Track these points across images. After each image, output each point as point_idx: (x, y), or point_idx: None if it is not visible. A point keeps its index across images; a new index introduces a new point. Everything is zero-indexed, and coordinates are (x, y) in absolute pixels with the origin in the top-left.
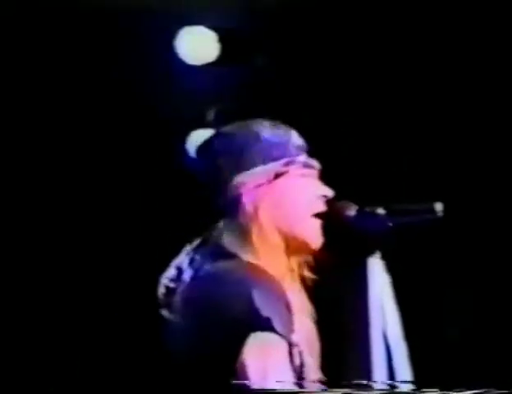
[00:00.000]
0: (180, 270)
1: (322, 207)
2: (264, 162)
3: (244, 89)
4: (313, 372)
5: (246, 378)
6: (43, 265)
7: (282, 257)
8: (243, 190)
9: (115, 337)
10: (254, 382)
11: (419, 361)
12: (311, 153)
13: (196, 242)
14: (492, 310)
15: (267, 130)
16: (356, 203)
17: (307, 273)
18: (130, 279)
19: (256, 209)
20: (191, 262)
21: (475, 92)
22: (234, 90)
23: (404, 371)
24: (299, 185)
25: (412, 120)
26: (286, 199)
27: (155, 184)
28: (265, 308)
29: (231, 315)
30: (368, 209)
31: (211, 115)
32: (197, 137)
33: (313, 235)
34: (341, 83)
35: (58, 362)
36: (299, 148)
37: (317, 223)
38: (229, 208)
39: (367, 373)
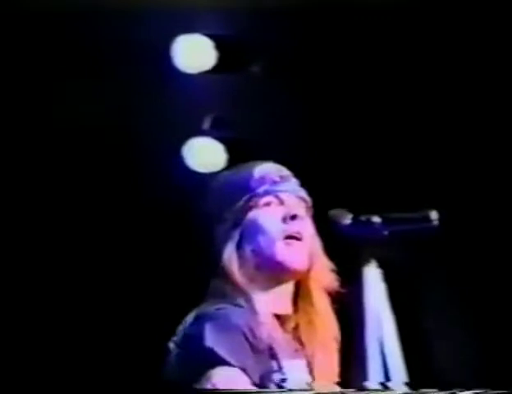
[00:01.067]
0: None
1: (294, 227)
2: (230, 208)
3: (240, 97)
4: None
5: None
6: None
7: (267, 288)
8: (218, 238)
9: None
10: None
11: (415, 369)
12: (306, 161)
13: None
14: (489, 319)
15: (230, 177)
16: (351, 211)
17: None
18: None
19: (230, 252)
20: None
21: (470, 99)
22: (230, 98)
23: (400, 381)
24: (260, 215)
25: (408, 128)
26: (250, 231)
27: (149, 197)
28: (212, 340)
29: (188, 353)
30: (363, 218)
31: (207, 123)
32: (193, 146)
33: (286, 258)
34: (338, 91)
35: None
36: (260, 180)
37: (289, 245)
38: (215, 256)
39: (362, 381)
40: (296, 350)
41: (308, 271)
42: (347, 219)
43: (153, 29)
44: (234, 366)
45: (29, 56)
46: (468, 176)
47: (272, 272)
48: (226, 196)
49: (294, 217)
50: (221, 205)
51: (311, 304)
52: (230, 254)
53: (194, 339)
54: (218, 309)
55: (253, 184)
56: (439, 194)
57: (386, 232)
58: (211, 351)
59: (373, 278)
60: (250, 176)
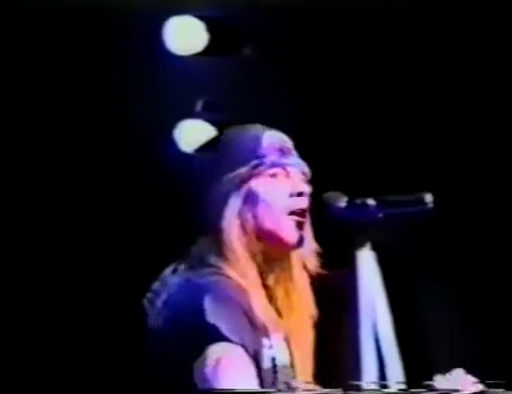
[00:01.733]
0: (163, 281)
1: (298, 204)
2: (233, 169)
3: (232, 80)
4: (300, 371)
5: (202, 380)
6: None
7: (250, 261)
8: (217, 198)
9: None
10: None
11: (409, 354)
12: (300, 145)
13: (184, 252)
14: (484, 302)
15: (237, 136)
16: (346, 194)
17: (311, 265)
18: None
19: (224, 215)
20: (173, 272)
21: (464, 83)
22: (222, 81)
23: (394, 364)
24: (267, 185)
25: (402, 111)
26: (257, 200)
27: (142, 178)
28: (215, 318)
29: (186, 328)
30: (358, 200)
31: (199, 106)
32: (184, 128)
33: (289, 233)
34: (331, 74)
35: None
36: (268, 148)
37: (292, 221)
38: (208, 220)
39: (356, 365)
40: (276, 322)
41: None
42: (342, 202)
43: (144, 11)
44: (235, 343)
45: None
46: (462, 159)
47: (272, 245)
48: (232, 156)
49: (300, 194)
50: (224, 164)
51: (290, 279)
52: (230, 220)
53: (193, 313)
54: (211, 280)
55: (260, 150)
56: (433, 176)
57: (380, 215)
58: (213, 328)
59: (368, 261)
60: (258, 141)
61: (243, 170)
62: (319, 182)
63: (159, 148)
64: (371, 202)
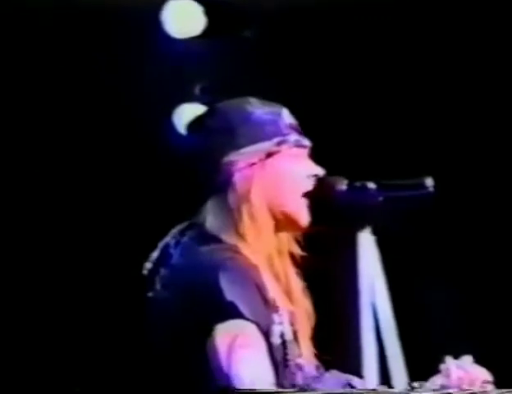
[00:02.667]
0: (164, 252)
1: (311, 186)
2: (255, 142)
3: (231, 63)
4: (302, 349)
5: (216, 363)
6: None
7: (271, 236)
8: (234, 170)
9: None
10: (224, 367)
11: (408, 336)
12: (301, 128)
13: (184, 224)
14: (483, 285)
15: (257, 108)
16: (347, 177)
17: (296, 250)
18: (116, 258)
19: (248, 188)
20: (176, 244)
21: (464, 67)
22: (221, 64)
23: (393, 347)
24: (291, 164)
25: (403, 95)
26: (278, 178)
27: (141, 161)
28: (231, 294)
29: (200, 304)
30: (358, 184)
31: (197, 89)
32: (183, 111)
33: (303, 214)
34: (332, 57)
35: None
36: (289, 126)
37: (305, 202)
38: (218, 188)
39: (356, 348)
40: (283, 298)
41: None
42: (342, 185)
43: None
44: (250, 321)
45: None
46: (462, 143)
47: (284, 225)
48: (253, 128)
49: (315, 176)
50: (243, 135)
51: (285, 259)
52: (258, 194)
53: (208, 291)
54: (226, 257)
55: (283, 127)
56: (434, 160)
57: (380, 199)
58: (231, 305)
59: (368, 244)
60: (280, 117)
61: (266, 144)
62: (320, 165)
63: (158, 132)
64: (371, 185)
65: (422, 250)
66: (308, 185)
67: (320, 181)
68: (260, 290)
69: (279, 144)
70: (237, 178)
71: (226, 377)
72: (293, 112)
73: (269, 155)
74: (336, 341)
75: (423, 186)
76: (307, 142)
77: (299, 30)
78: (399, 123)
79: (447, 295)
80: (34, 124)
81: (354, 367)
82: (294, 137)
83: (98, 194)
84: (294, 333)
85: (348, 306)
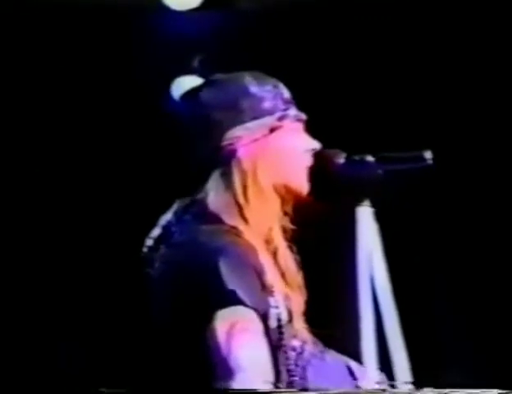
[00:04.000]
0: (166, 230)
1: (310, 160)
2: (257, 117)
3: (229, 35)
4: (297, 328)
5: (214, 347)
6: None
7: (275, 214)
8: (238, 145)
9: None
10: (222, 351)
11: (407, 310)
12: (298, 101)
13: (186, 201)
14: (481, 257)
15: (256, 83)
16: (345, 150)
17: (288, 224)
18: (116, 235)
19: (254, 166)
20: (178, 222)
21: (464, 41)
22: (219, 36)
23: (391, 321)
24: (293, 139)
25: (401, 68)
26: (282, 154)
27: (140, 134)
28: (231, 280)
29: (199, 288)
30: (356, 157)
31: (196, 61)
32: (182, 84)
33: (305, 189)
34: (331, 29)
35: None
36: (287, 101)
37: (305, 176)
38: (220, 163)
39: (354, 322)
40: (280, 280)
41: None
42: (341, 158)
43: None
44: (249, 307)
45: None
46: (462, 116)
47: (286, 198)
48: (254, 103)
49: (313, 151)
50: (244, 109)
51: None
52: (264, 169)
53: (208, 276)
54: (226, 242)
55: (282, 102)
56: (433, 133)
57: (379, 172)
58: (230, 291)
59: (366, 218)
60: (280, 92)
61: (269, 119)
62: (318, 139)
63: (156, 104)
64: (370, 159)
65: (421, 223)
66: (307, 158)
67: (318, 155)
68: (259, 274)
69: (280, 118)
70: (241, 154)
71: (224, 362)
72: (291, 85)
73: (272, 130)
74: (334, 316)
75: (422, 159)
76: (304, 116)
77: (298, 4)
78: (397, 96)
79: (446, 267)
80: (29, 98)
81: (352, 342)
82: (293, 111)
83: (98, 169)
84: (290, 314)
85: (346, 279)
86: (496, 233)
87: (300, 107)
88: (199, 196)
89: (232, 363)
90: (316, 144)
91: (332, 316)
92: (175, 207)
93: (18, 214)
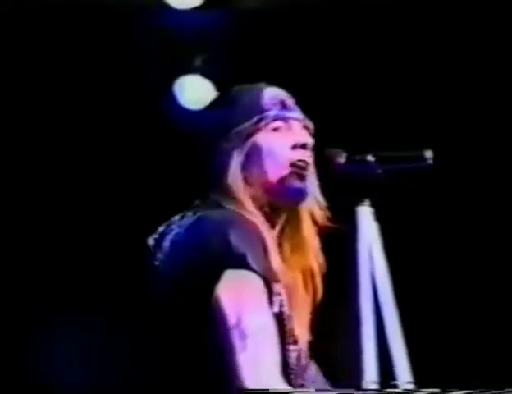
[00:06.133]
0: (169, 225)
1: (300, 156)
2: (239, 125)
3: (231, 34)
4: (296, 326)
5: (221, 313)
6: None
7: (268, 212)
8: (223, 155)
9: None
10: (229, 315)
11: (407, 309)
12: (299, 101)
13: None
14: (482, 255)
15: (243, 92)
16: (346, 150)
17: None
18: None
19: (227, 171)
20: (181, 217)
21: (463, 41)
22: (221, 35)
23: (391, 320)
24: (269, 139)
25: (401, 67)
26: (257, 155)
27: (142, 134)
28: (240, 245)
29: (208, 253)
30: (357, 157)
31: (198, 60)
32: (184, 83)
33: (291, 185)
34: (331, 28)
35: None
36: (272, 103)
37: (294, 173)
38: (215, 172)
39: (354, 322)
40: (283, 272)
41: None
42: (341, 158)
43: None
44: (257, 274)
45: None
46: (462, 115)
47: (277, 197)
48: (236, 112)
49: (303, 146)
50: (229, 120)
51: (298, 231)
52: (234, 173)
53: (220, 244)
54: (231, 213)
55: (263, 105)
56: (434, 133)
57: (380, 171)
58: (240, 255)
59: (367, 217)
60: (261, 96)
61: (246, 125)
62: (319, 138)
63: (159, 103)
64: (370, 158)
65: (421, 223)
66: (296, 155)
67: (319, 154)
68: (265, 249)
69: (257, 122)
70: (223, 161)
71: (232, 329)
72: (292, 84)
73: (249, 135)
74: (334, 318)
75: (423, 158)
76: (295, 114)
77: (299, 3)
78: (398, 95)
79: (446, 267)
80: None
81: (352, 342)
82: (274, 112)
83: (98, 171)
84: (290, 308)
85: (346, 279)
86: (495, 232)
87: (301, 107)
88: (198, 201)
89: (241, 327)
90: (306, 139)
91: (332, 317)
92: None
93: (22, 216)
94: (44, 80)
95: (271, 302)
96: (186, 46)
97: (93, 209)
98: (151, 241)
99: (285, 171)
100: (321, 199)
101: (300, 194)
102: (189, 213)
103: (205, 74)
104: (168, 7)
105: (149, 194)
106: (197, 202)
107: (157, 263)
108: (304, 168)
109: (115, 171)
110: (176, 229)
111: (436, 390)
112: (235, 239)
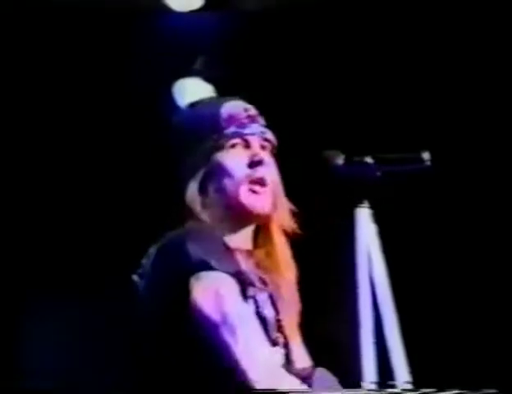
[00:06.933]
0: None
1: (257, 173)
2: (201, 142)
3: (230, 37)
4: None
5: (204, 315)
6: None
7: (230, 226)
8: (185, 171)
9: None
10: (212, 314)
11: (405, 310)
12: (299, 102)
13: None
14: (481, 256)
15: (199, 110)
16: (344, 152)
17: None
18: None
19: (193, 190)
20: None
21: (461, 42)
22: (220, 38)
23: (390, 321)
24: (226, 157)
25: (400, 69)
26: (218, 172)
27: (141, 136)
28: (199, 252)
29: (172, 269)
30: (356, 158)
31: (197, 63)
32: (183, 86)
33: (249, 203)
34: (330, 30)
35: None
36: (228, 120)
37: (257, 191)
38: (179, 189)
39: (353, 323)
40: (261, 281)
41: (271, 214)
42: (340, 160)
43: None
44: (225, 273)
45: None
46: (460, 117)
47: (236, 214)
48: (194, 131)
49: (259, 163)
50: (189, 140)
51: (271, 243)
52: (192, 193)
53: (177, 253)
54: (189, 226)
55: (221, 123)
56: (432, 134)
57: (378, 173)
58: (202, 262)
59: (365, 219)
60: (218, 114)
61: (207, 144)
62: (318, 140)
63: (158, 106)
64: (369, 160)
65: (419, 224)
66: (253, 172)
67: (318, 156)
68: (231, 253)
69: (216, 140)
70: (181, 180)
71: (217, 326)
72: (292, 86)
73: (212, 152)
74: (333, 319)
75: (421, 160)
76: (253, 129)
77: (299, 5)
78: (396, 97)
79: (445, 268)
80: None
81: (351, 343)
82: (231, 129)
83: (101, 172)
84: (276, 318)
85: (345, 280)
86: (494, 234)
87: (301, 109)
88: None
89: (227, 322)
90: (261, 156)
91: (331, 318)
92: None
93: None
94: (45, 83)
95: (246, 302)
96: (185, 49)
97: (93, 210)
98: (136, 277)
99: (242, 188)
100: (289, 206)
101: (259, 209)
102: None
103: (205, 77)
104: (168, 10)
105: (148, 195)
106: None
107: (138, 284)
108: (261, 184)
109: (113, 174)
110: (150, 256)
111: (434, 390)
112: (192, 248)
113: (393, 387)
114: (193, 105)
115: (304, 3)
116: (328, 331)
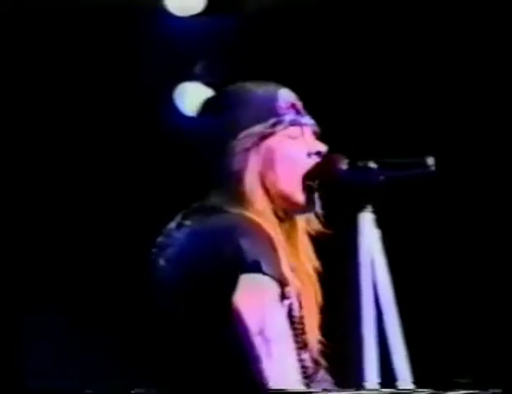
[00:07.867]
0: (167, 235)
1: (312, 163)
2: (250, 125)
3: (232, 41)
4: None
5: (243, 321)
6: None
7: (282, 216)
8: (231, 156)
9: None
10: (251, 323)
11: (408, 315)
12: (303, 106)
13: (187, 210)
14: (485, 262)
15: (254, 91)
16: (348, 156)
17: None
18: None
19: (242, 176)
20: (178, 227)
21: (464, 45)
22: (222, 42)
23: (392, 326)
24: (286, 145)
25: (405, 74)
26: (273, 161)
27: (141, 140)
28: (253, 251)
29: (221, 262)
30: (359, 163)
31: (198, 67)
32: (184, 90)
33: (299, 194)
34: (333, 33)
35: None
36: (286, 106)
37: (304, 181)
38: (221, 173)
39: (356, 328)
40: (291, 276)
41: None
42: (343, 164)
43: None
44: (273, 279)
45: None
46: (464, 122)
47: (289, 205)
48: (247, 112)
49: (318, 154)
50: (238, 120)
51: (294, 234)
52: (252, 180)
53: (229, 245)
54: (240, 218)
55: (278, 108)
56: (436, 139)
57: (382, 178)
58: (254, 263)
59: (368, 224)
60: (275, 98)
61: (261, 127)
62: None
63: (159, 110)
64: (372, 165)
65: (423, 229)
66: (309, 163)
67: (321, 160)
68: (276, 252)
69: (273, 125)
70: (232, 165)
71: (254, 335)
72: (294, 90)
73: (264, 137)
74: (336, 323)
75: (425, 165)
76: (307, 120)
77: (300, 8)
78: (400, 102)
79: (447, 273)
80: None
81: (354, 347)
82: (290, 117)
83: (103, 174)
84: (301, 317)
85: (348, 285)
86: (497, 239)
87: (302, 112)
88: (200, 203)
89: (264, 333)
90: (320, 147)
91: (335, 323)
92: (178, 216)
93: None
94: (45, 85)
95: (283, 305)
96: (186, 53)
97: (92, 210)
98: (152, 254)
99: (297, 180)
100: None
101: (312, 205)
102: (188, 222)
103: (206, 81)
104: (169, 14)
105: (147, 197)
106: (194, 206)
107: (160, 273)
108: (314, 176)
109: (113, 176)
110: (179, 238)
111: (436, 390)
112: (247, 245)
113: (395, 387)
114: (240, 87)
115: (305, 7)
116: (331, 333)
